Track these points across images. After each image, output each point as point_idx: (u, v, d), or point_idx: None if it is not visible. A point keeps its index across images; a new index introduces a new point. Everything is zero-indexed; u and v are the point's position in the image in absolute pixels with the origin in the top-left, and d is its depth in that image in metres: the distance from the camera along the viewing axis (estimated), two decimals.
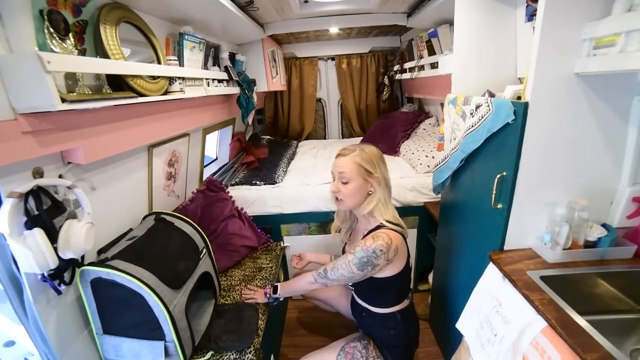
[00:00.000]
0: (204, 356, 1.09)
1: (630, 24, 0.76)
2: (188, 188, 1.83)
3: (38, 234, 0.78)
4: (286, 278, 2.18)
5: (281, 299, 1.35)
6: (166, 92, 1.24)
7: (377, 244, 1.10)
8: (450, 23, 1.82)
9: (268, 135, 3.59)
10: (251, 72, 2.44)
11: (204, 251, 1.26)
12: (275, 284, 1.35)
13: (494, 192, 1.06)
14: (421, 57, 2.38)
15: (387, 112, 3.38)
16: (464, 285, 1.28)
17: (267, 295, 1.33)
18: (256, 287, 1.41)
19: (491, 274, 1.07)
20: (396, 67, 3.08)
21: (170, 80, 1.26)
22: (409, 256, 1.22)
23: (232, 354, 1.10)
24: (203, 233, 1.30)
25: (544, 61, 0.90)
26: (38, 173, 0.85)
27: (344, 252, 1.37)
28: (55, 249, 0.82)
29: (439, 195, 1.64)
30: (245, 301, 1.34)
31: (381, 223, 1.17)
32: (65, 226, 0.86)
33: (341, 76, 3.47)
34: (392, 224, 1.17)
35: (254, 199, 2.04)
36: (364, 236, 1.19)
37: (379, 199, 1.19)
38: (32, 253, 0.76)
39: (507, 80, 1.32)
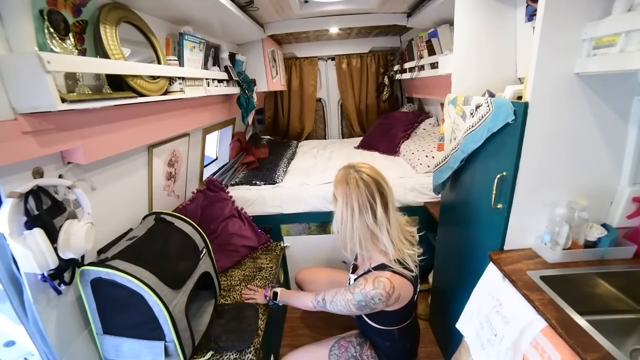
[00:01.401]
0: (204, 356, 1.09)
1: (630, 24, 0.76)
2: (188, 188, 1.83)
3: (38, 234, 0.78)
4: (286, 278, 2.18)
5: (280, 304, 1.35)
6: (166, 92, 1.24)
7: (377, 292, 1.01)
8: (450, 23, 1.82)
9: (268, 135, 3.59)
10: (251, 72, 2.44)
11: (204, 251, 1.26)
12: (276, 289, 1.34)
13: (494, 192, 1.06)
14: (421, 57, 2.38)
15: (387, 112, 3.39)
16: (464, 285, 1.28)
17: (267, 298, 1.33)
18: (256, 287, 1.41)
19: (491, 274, 1.07)
20: (396, 67, 3.08)
21: (170, 80, 1.26)
22: (415, 292, 1.12)
23: (232, 354, 1.10)
24: (203, 233, 1.30)
25: (544, 61, 0.90)
26: (38, 173, 0.85)
27: (355, 264, 1.29)
28: (55, 249, 0.82)
29: (439, 195, 1.64)
30: (245, 301, 1.34)
31: (386, 264, 1.06)
32: (65, 226, 0.86)
33: (341, 76, 3.47)
34: (402, 263, 1.06)
35: (254, 199, 2.04)
36: (369, 270, 1.09)
37: (358, 236, 1.05)
38: (32, 253, 0.76)
39: (507, 80, 1.32)
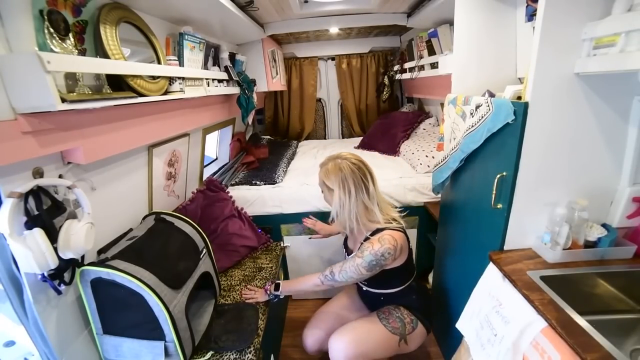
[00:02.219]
0: (204, 356, 1.09)
1: (630, 24, 0.76)
2: (188, 188, 1.83)
3: (38, 234, 0.78)
4: (286, 278, 2.18)
5: (282, 297, 1.35)
6: (166, 92, 1.24)
7: (385, 247, 1.13)
8: (450, 23, 1.82)
9: (268, 135, 3.60)
10: (251, 72, 2.44)
11: (204, 251, 1.26)
12: (278, 281, 1.35)
13: (494, 192, 1.06)
14: (421, 57, 2.38)
15: (387, 112, 3.39)
16: (464, 285, 1.28)
17: (268, 292, 1.33)
18: (256, 287, 1.41)
19: (491, 274, 1.07)
20: (396, 67, 3.08)
21: (170, 80, 1.26)
22: (409, 241, 1.27)
23: (232, 354, 1.10)
24: (203, 233, 1.30)
25: (544, 61, 0.90)
26: (38, 173, 0.85)
27: (345, 244, 1.40)
28: (55, 249, 0.82)
29: (439, 195, 1.64)
30: (246, 301, 1.34)
31: (380, 227, 1.20)
32: (65, 226, 0.86)
33: (341, 76, 3.47)
34: (391, 222, 1.21)
35: (254, 199, 2.04)
36: (367, 238, 1.21)
37: (355, 214, 1.19)
38: (32, 253, 0.76)
39: (507, 80, 1.32)
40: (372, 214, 1.21)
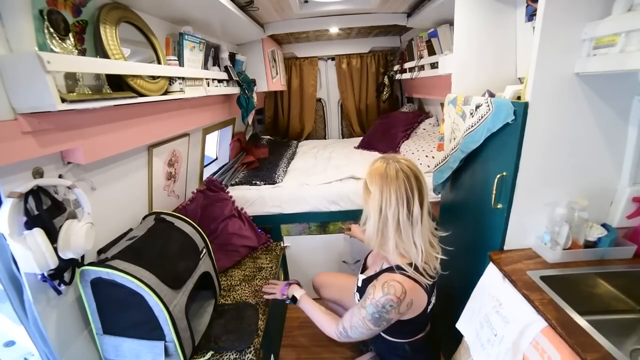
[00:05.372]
0: (204, 356, 1.09)
1: (630, 24, 0.76)
2: (188, 188, 1.83)
3: (38, 234, 0.78)
4: (286, 278, 2.18)
5: (295, 303, 1.30)
6: (166, 92, 1.24)
7: (387, 298, 0.93)
8: (450, 23, 1.82)
9: (268, 135, 3.59)
10: (251, 72, 2.44)
11: (204, 251, 1.26)
12: (296, 293, 1.26)
13: (494, 192, 1.06)
14: (421, 57, 2.38)
15: (387, 112, 3.39)
16: (464, 285, 1.28)
17: (284, 296, 1.28)
18: (276, 281, 1.38)
19: (491, 274, 1.07)
20: (396, 67, 3.08)
21: (170, 80, 1.26)
22: (429, 302, 1.03)
23: (232, 354, 1.10)
24: (203, 233, 1.30)
25: (544, 61, 0.90)
26: (38, 173, 0.85)
27: (365, 264, 1.23)
28: (55, 249, 0.82)
29: (439, 195, 1.64)
30: (265, 297, 1.33)
31: (398, 265, 0.98)
32: (65, 226, 0.86)
33: (341, 76, 3.47)
34: (415, 270, 0.97)
35: (254, 199, 2.04)
36: (378, 273, 1.03)
37: (384, 236, 0.98)
38: (32, 253, 0.76)
39: (507, 80, 1.32)
40: (404, 242, 0.97)
